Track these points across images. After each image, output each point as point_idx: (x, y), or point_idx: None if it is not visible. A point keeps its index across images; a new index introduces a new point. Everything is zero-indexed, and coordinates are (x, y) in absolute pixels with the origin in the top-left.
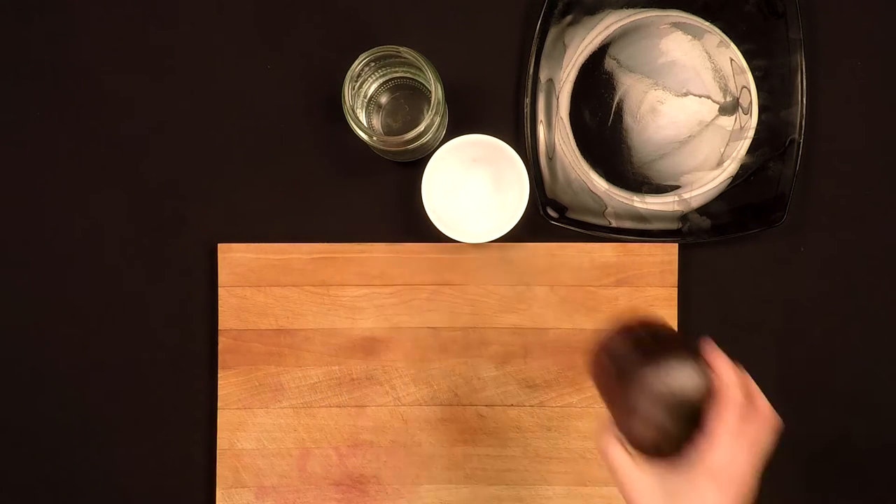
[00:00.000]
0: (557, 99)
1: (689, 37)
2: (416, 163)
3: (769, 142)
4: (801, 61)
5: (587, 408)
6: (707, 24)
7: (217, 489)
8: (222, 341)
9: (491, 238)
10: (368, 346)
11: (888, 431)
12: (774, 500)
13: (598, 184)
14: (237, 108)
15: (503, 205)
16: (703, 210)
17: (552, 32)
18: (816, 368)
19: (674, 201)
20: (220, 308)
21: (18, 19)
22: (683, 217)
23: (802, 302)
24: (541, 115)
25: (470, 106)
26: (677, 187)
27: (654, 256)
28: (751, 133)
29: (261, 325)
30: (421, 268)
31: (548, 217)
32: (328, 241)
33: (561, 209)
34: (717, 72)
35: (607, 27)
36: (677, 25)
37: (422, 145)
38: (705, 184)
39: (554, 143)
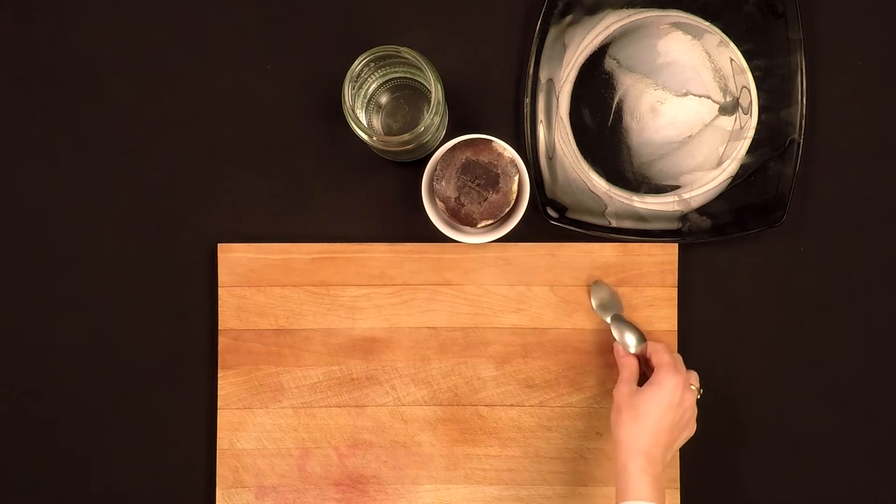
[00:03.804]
0: (557, 99)
1: (689, 37)
2: (416, 163)
3: (769, 142)
4: (801, 61)
5: (587, 408)
6: (707, 24)
7: (217, 489)
8: (222, 341)
9: (491, 238)
10: (368, 346)
11: (887, 431)
12: (772, 498)
13: (598, 184)
14: (237, 108)
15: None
16: (703, 210)
17: (552, 32)
18: (816, 368)
19: (674, 201)
20: (220, 308)
21: (18, 19)
22: (683, 217)
23: (802, 301)
24: (541, 115)
25: (470, 106)
26: (677, 187)
27: (654, 256)
28: (751, 133)
29: (261, 325)
30: (421, 268)
31: (548, 217)
32: (328, 241)
33: (561, 209)
34: (717, 72)
35: (607, 27)
36: (677, 25)
37: (422, 145)
38: (705, 184)
39: (554, 143)
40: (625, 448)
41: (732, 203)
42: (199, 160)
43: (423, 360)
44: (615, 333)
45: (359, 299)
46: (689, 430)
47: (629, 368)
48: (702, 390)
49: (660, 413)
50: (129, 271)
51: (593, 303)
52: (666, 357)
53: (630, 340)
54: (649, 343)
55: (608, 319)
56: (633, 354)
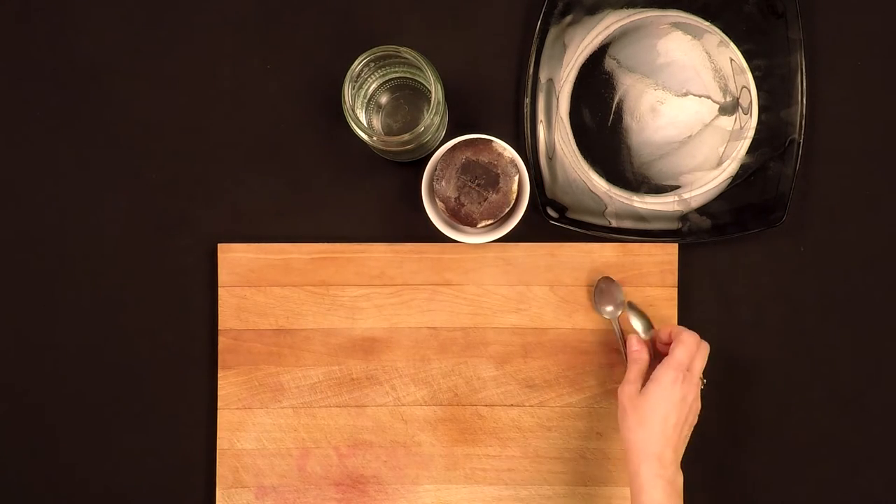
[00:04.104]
0: (557, 99)
1: (689, 37)
2: (416, 163)
3: (769, 142)
4: (801, 61)
5: (587, 408)
6: (707, 24)
7: (217, 489)
8: (222, 341)
9: (491, 238)
10: (368, 346)
11: (886, 430)
12: (772, 498)
13: (598, 184)
14: (237, 108)
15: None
16: (703, 210)
17: (552, 32)
18: (816, 368)
19: (674, 201)
20: (220, 308)
21: (18, 19)
22: (683, 217)
23: (802, 301)
24: (541, 115)
25: (470, 106)
26: (677, 187)
27: (654, 256)
28: (751, 133)
29: (261, 325)
30: (421, 268)
31: (548, 217)
32: (328, 241)
33: (561, 209)
34: (717, 72)
35: (607, 27)
36: (677, 25)
37: (422, 145)
38: (705, 184)
39: (554, 143)
40: (636, 452)
41: (732, 203)
42: (199, 160)
43: (423, 360)
44: (631, 319)
45: (359, 299)
46: (694, 415)
47: (638, 367)
48: (705, 380)
49: (664, 413)
50: (129, 271)
51: (636, 325)
52: (678, 349)
53: (639, 326)
54: (679, 332)
55: (632, 319)
56: (646, 351)
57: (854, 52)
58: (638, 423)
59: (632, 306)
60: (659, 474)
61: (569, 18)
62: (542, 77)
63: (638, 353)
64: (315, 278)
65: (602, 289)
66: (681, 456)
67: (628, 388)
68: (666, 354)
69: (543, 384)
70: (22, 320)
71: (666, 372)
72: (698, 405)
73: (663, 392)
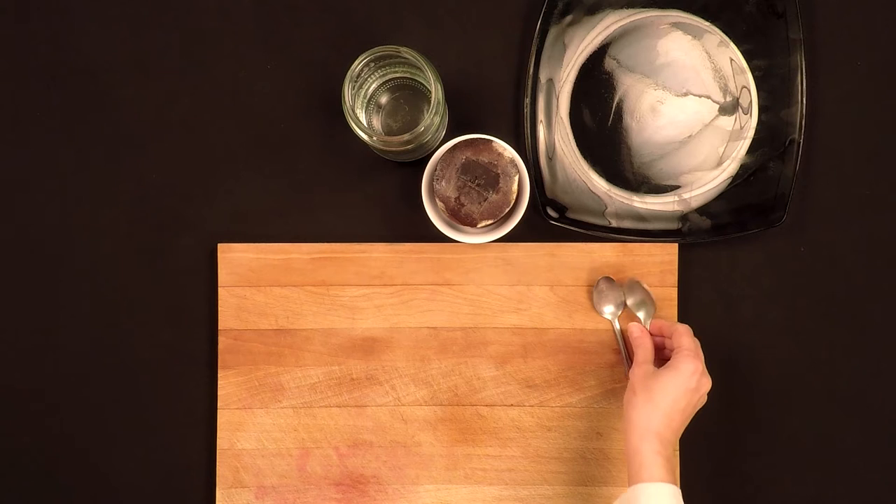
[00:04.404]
0: (557, 99)
1: (689, 37)
2: (416, 163)
3: (769, 142)
4: (801, 61)
5: (587, 408)
6: (707, 23)
7: (217, 489)
8: (222, 341)
9: (491, 238)
10: (368, 346)
11: (886, 431)
12: (772, 497)
13: (598, 184)
14: (237, 108)
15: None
16: (703, 210)
17: (552, 32)
18: (816, 368)
19: (674, 201)
20: (220, 308)
21: (18, 19)
22: (683, 217)
23: (802, 301)
24: (541, 115)
25: (470, 106)
26: (677, 187)
27: (654, 256)
28: (751, 133)
29: (261, 325)
30: (421, 268)
31: (548, 217)
32: (328, 241)
33: (561, 209)
34: (717, 72)
35: (607, 27)
36: (677, 25)
37: (422, 145)
38: (705, 184)
39: (554, 143)
40: (637, 429)
41: (732, 203)
42: (199, 160)
43: (423, 360)
44: (629, 300)
45: (359, 299)
46: (700, 404)
47: (645, 349)
48: None
49: (675, 396)
50: (129, 271)
51: (628, 301)
52: (687, 340)
53: (641, 313)
54: (673, 323)
55: (629, 302)
56: (649, 336)
57: (854, 52)
58: (646, 400)
59: (635, 284)
60: (659, 451)
61: (569, 18)
62: (542, 77)
63: (640, 339)
64: (315, 278)
65: (602, 289)
66: (677, 441)
67: (639, 370)
68: (658, 345)
69: (543, 384)
70: (22, 320)
71: (687, 361)
72: (705, 399)
73: (680, 378)
